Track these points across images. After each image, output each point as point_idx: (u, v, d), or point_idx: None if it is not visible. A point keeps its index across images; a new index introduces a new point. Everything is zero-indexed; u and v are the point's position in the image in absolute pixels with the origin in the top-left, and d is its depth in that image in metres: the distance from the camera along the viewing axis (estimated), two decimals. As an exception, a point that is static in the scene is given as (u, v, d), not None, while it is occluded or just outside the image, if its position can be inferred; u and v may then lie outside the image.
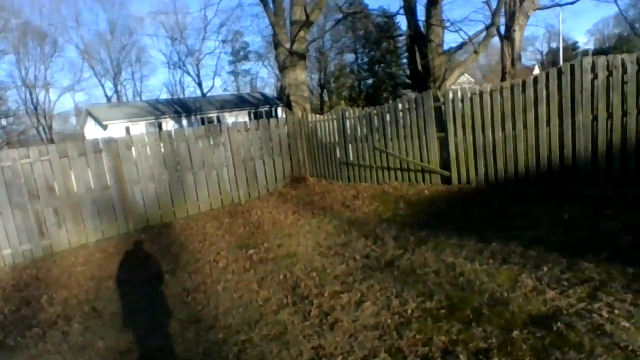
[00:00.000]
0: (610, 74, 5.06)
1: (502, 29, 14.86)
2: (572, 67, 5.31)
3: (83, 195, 6.74)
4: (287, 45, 10.70)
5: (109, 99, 39.13)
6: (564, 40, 35.18)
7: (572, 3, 14.90)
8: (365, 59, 34.16)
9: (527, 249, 3.50)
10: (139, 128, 23.24)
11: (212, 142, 8.12)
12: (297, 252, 4.67)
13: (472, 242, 3.89)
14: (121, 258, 5.60)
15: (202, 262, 4.89)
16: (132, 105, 29.38)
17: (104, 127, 24.11)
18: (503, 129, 6.04)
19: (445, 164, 6.82)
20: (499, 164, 6.16)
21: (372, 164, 7.86)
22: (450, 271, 3.34)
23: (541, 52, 47.26)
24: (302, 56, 10.81)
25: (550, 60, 38.11)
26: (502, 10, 13.09)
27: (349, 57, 35.88)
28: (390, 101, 7.51)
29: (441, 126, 6.77)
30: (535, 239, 3.72)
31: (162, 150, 7.54)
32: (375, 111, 7.63)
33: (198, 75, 40.35)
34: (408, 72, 26.38)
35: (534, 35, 50.92)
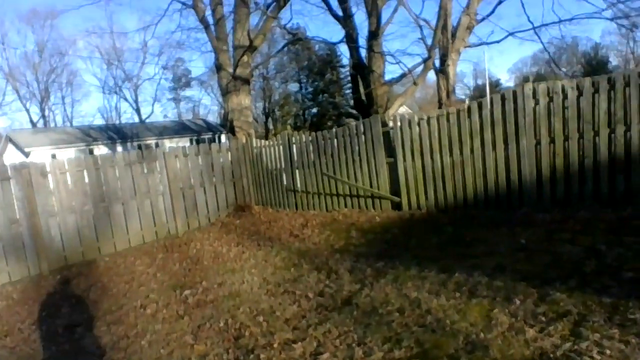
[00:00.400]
0: (551, 99, 5.14)
1: (437, 63, 15.65)
2: (515, 94, 5.36)
3: (-17, 232, 5.63)
4: (230, 70, 10.27)
5: (34, 124, 35.80)
6: (488, 78, 38.15)
7: (497, 42, 16.03)
8: (310, 89, 34.54)
9: (492, 278, 3.22)
10: (68, 155, 21.19)
11: (145, 169, 7.32)
12: (240, 292, 4.06)
13: (433, 273, 3.55)
14: (27, 307, 4.62)
15: (126, 309, 4.10)
16: (60, 130, 26.99)
17: (26, 155, 21.77)
18: (451, 154, 5.95)
19: (395, 189, 6.60)
20: (449, 189, 6.03)
21: (320, 190, 7.48)
22: (416, 309, 2.94)
23: (469, 88, 50.91)
24: (246, 81, 10.40)
25: (477, 95, 41.04)
26: (437, 46, 13.75)
27: (294, 86, 36.15)
28: (336, 128, 7.27)
29: (390, 151, 6.59)
30: (498, 266, 3.46)
31: (86, 177, 6.62)
32: (322, 136, 7.32)
33: (136, 101, 38.35)
34: (351, 102, 26.92)
35: (463, 72, 54.97)
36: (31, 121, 36.54)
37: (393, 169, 6.58)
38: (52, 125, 36.60)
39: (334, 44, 14.37)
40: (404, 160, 6.37)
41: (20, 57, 46.39)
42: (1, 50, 36.57)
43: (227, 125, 10.75)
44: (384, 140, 6.58)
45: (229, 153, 8.54)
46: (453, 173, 5.97)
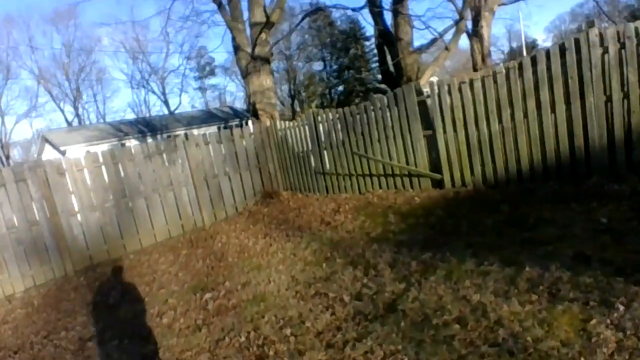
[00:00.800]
0: (622, 46, 4.21)
1: (469, 25, 14.49)
2: (577, 42, 4.46)
3: (3, 236, 5.42)
4: (249, 50, 9.66)
5: (69, 123, 36.87)
6: (524, 39, 35.68)
7: (536, -6, 14.46)
8: (334, 67, 33.36)
9: (576, 273, 2.52)
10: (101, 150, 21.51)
11: (166, 160, 6.94)
12: (266, 294, 3.55)
13: (496, 267, 2.89)
14: (45, 315, 4.35)
15: (142, 318, 3.70)
16: (93, 128, 27.51)
17: (62, 153, 22.30)
18: (500, 121, 5.14)
19: (435, 165, 5.88)
20: (498, 162, 5.24)
21: (352, 171, 6.85)
22: (482, 318, 2.30)
23: (503, 52, 47.82)
24: (266, 60, 9.76)
25: (514, 58, 38.40)
26: (468, 6, 12.66)
27: (318, 65, 35.09)
28: (364, 102, 6.55)
29: (427, 123, 5.84)
30: (579, 255, 2.75)
31: (105, 173, 6.30)
32: (350, 112, 6.64)
33: (164, 94, 38.58)
34: (379, 76, 25.75)
35: (495, 35, 51.59)
36: (66, 120, 37.69)
37: (432, 142, 5.84)
38: (87, 123, 37.59)
39: (357, 10, 13.38)
40: (444, 132, 5.61)
41: (49, 59, 47.28)
42: (30, 53, 37.36)
43: (250, 108, 10.23)
44: (420, 111, 5.83)
45: (252, 138, 8.03)
46: (503, 142, 5.17)
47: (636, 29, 4.14)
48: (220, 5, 9.72)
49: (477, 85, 5.23)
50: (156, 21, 47.68)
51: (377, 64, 20.97)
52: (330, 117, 6.97)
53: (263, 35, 9.50)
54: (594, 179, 4.44)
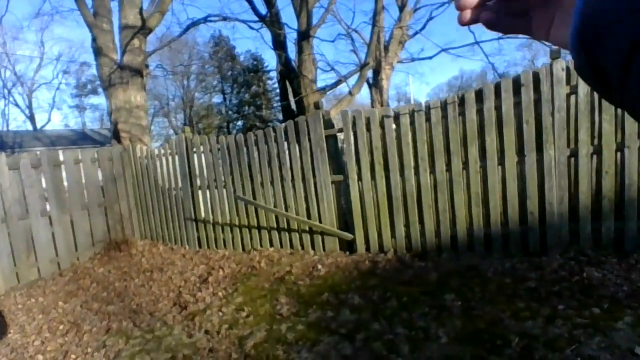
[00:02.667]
0: (593, 86, 3.16)
1: (370, 77, 14.31)
2: (536, 77, 3.33)
3: None
4: (114, 56, 7.31)
5: None
6: (410, 103, 38.79)
7: (430, 58, 14.89)
8: (235, 101, 31.29)
9: None
10: None
11: None
12: None
13: None
14: None
15: None
16: None
17: None
18: (432, 170, 3.76)
19: (345, 221, 4.25)
20: (428, 223, 3.81)
21: (234, 221, 4.87)
22: None
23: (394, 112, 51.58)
24: (139, 72, 7.44)
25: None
26: (372, 54, 12.38)
27: (217, 98, 32.65)
28: (258, 131, 4.71)
29: (338, 166, 4.25)
30: None
31: None
32: (236, 141, 4.75)
33: (30, 108, 31.74)
34: (280, 116, 24.51)
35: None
36: None
37: (343, 191, 4.23)
38: None
39: (252, 22, 11.65)
40: (359, 178, 4.06)
41: None
42: None
43: (111, 129, 7.66)
44: (328, 149, 4.22)
45: (97, 165, 5.57)
46: (435, 198, 3.77)
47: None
48: (78, -1, 7.23)
49: (405, 121, 3.83)
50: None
51: (279, 101, 19.69)
52: (209, 147, 4.98)
53: (136, 42, 7.27)
54: (556, 257, 3.19)
